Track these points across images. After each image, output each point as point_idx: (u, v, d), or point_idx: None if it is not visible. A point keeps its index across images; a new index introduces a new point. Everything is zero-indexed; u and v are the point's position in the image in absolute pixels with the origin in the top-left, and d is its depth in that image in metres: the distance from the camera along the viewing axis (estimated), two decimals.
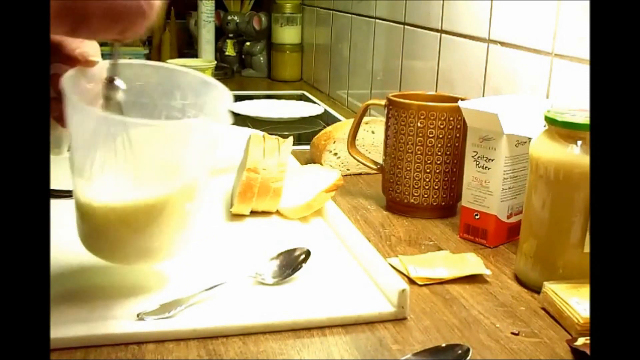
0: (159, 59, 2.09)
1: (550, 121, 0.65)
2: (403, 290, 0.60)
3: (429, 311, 0.63)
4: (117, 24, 0.50)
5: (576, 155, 0.63)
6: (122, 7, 0.49)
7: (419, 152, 0.85)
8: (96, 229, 0.59)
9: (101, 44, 0.60)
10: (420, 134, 0.84)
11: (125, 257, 0.61)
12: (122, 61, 0.60)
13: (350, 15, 1.63)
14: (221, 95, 0.60)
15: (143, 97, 0.62)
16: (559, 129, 0.65)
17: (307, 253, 0.68)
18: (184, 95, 0.62)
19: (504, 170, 0.76)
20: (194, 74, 0.62)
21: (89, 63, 0.58)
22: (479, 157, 0.77)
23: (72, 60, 0.58)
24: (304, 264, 0.67)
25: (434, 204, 0.86)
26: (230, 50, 2.14)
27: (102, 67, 0.58)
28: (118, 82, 0.58)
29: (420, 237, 0.81)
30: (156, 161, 0.58)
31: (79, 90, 0.57)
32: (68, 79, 0.55)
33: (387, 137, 0.88)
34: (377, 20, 1.46)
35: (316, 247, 0.71)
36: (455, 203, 0.88)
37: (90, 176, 0.57)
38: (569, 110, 0.67)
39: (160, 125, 0.60)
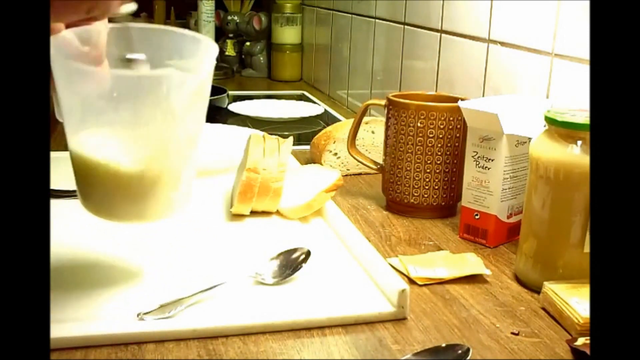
0: None
1: (550, 121, 0.65)
2: (403, 290, 0.60)
3: (429, 311, 0.63)
4: (82, 5, 0.50)
5: (576, 155, 0.63)
6: None
7: (419, 152, 0.85)
8: (85, 182, 0.59)
9: None
10: (420, 134, 0.84)
11: (115, 213, 0.60)
12: (114, 25, 0.60)
13: (350, 15, 1.63)
14: (206, 49, 0.60)
15: (138, 59, 0.62)
16: (559, 129, 0.65)
17: (307, 253, 0.68)
18: (180, 55, 0.62)
19: (504, 170, 0.76)
20: (184, 32, 0.62)
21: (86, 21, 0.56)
22: (479, 157, 0.77)
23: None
24: (304, 264, 0.67)
25: (434, 204, 0.86)
26: (230, 50, 2.14)
27: (99, 32, 0.57)
28: (136, 55, 0.59)
29: (420, 237, 0.81)
30: (143, 115, 0.57)
31: (73, 54, 0.56)
32: (57, 40, 0.54)
33: (387, 137, 0.88)
34: (377, 20, 1.46)
35: (316, 247, 0.71)
36: (455, 203, 0.88)
37: (77, 127, 0.57)
38: (569, 110, 0.67)
39: (136, 75, 0.60)
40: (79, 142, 0.58)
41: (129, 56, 0.60)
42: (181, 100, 0.57)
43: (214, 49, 0.59)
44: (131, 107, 0.57)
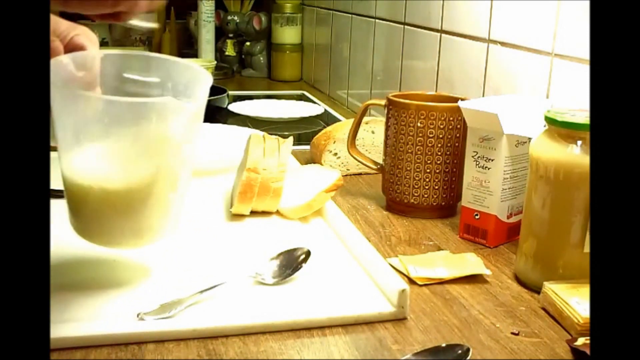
0: None
1: (550, 121, 0.65)
2: (403, 290, 0.60)
3: (429, 311, 0.63)
4: None
5: (576, 155, 0.63)
6: None
7: (419, 152, 0.85)
8: (76, 207, 0.60)
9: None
10: (420, 134, 0.84)
11: (106, 239, 0.60)
12: (110, 51, 0.62)
13: (350, 15, 1.63)
14: (201, 78, 0.61)
15: (135, 86, 0.63)
16: (559, 129, 0.65)
17: (307, 253, 0.68)
18: (175, 85, 0.63)
19: (504, 170, 0.76)
20: (182, 62, 0.63)
21: (79, 47, 0.58)
22: (479, 157, 0.77)
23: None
24: (304, 264, 0.67)
25: (434, 204, 0.86)
26: (230, 50, 2.14)
27: (94, 57, 0.58)
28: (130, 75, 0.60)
29: (420, 237, 0.81)
30: (137, 141, 0.58)
31: (68, 77, 0.57)
32: (54, 64, 0.55)
33: (387, 137, 0.88)
34: (377, 20, 1.46)
35: (316, 247, 0.71)
36: (455, 203, 0.88)
37: (70, 151, 0.58)
38: (569, 110, 0.67)
39: (138, 102, 0.60)
40: (70, 166, 0.58)
41: (126, 75, 0.61)
42: (174, 128, 0.58)
43: (208, 79, 0.60)
44: (123, 132, 0.57)
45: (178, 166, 0.60)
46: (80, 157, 0.58)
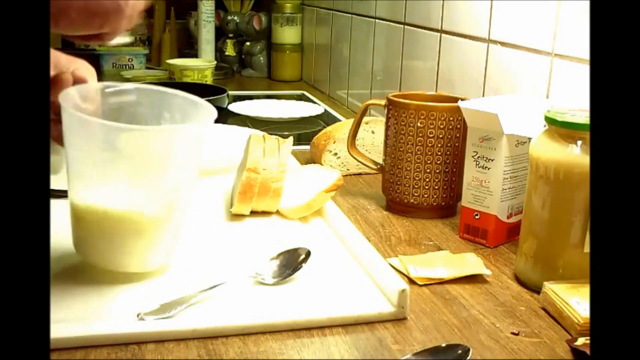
0: (159, 59, 2.10)
1: (550, 121, 0.65)
2: (403, 290, 0.60)
3: (429, 311, 0.63)
4: (95, 18, 0.54)
5: (576, 155, 0.63)
6: (96, 2, 0.54)
7: (419, 152, 0.85)
8: (78, 231, 0.63)
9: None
10: (420, 134, 0.84)
11: (104, 261, 0.63)
12: (113, 84, 0.66)
13: (350, 15, 1.63)
14: (206, 113, 0.64)
15: (134, 120, 0.66)
16: (559, 129, 0.65)
17: (307, 253, 0.68)
18: (173, 116, 0.67)
19: (504, 170, 0.76)
20: (182, 95, 0.67)
21: (81, 79, 0.62)
22: (479, 157, 0.77)
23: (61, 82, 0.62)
24: (304, 264, 0.67)
25: (434, 204, 0.86)
26: (230, 50, 2.14)
27: (96, 89, 0.63)
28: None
29: (420, 237, 0.81)
30: (141, 167, 0.61)
31: (75, 107, 0.61)
32: (65, 95, 0.59)
33: (387, 137, 0.88)
34: (377, 20, 1.46)
35: (316, 247, 0.71)
36: (455, 203, 0.88)
37: (81, 179, 0.62)
38: (569, 110, 0.67)
39: (145, 129, 0.64)
40: (77, 191, 0.62)
41: (114, 100, 0.65)
42: (176, 156, 0.61)
43: (213, 113, 0.63)
44: (129, 159, 0.61)
45: (176, 194, 0.63)
46: (86, 182, 0.62)
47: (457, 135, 0.84)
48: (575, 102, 0.81)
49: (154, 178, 0.62)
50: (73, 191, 0.62)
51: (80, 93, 0.61)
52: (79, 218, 0.63)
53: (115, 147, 0.59)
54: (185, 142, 0.62)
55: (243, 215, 0.82)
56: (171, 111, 0.66)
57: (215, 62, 1.81)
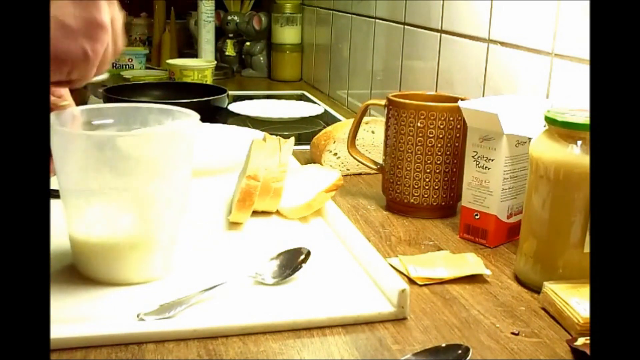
0: (159, 59, 2.10)
1: (550, 121, 0.65)
2: (403, 290, 0.60)
3: (429, 311, 0.63)
4: (63, 66, 0.56)
5: (576, 155, 0.63)
6: (64, 51, 0.55)
7: (419, 152, 0.85)
8: (77, 256, 0.65)
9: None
10: (420, 134, 0.84)
11: (104, 276, 0.64)
12: (91, 106, 0.68)
13: (350, 15, 1.63)
14: (185, 117, 0.66)
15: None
16: (559, 129, 0.65)
17: (307, 253, 0.68)
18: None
19: (504, 170, 0.76)
20: (157, 107, 0.69)
21: (59, 107, 0.64)
22: (479, 157, 0.77)
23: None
24: (304, 264, 0.67)
25: (434, 204, 0.86)
26: (230, 50, 2.14)
27: (73, 113, 0.64)
28: (103, 121, 0.66)
29: (420, 237, 0.81)
30: (132, 175, 0.62)
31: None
32: (55, 115, 0.61)
33: (387, 137, 0.88)
34: (377, 20, 1.46)
35: (316, 247, 0.71)
36: (455, 203, 0.88)
37: (77, 208, 0.63)
38: (569, 110, 0.67)
39: (140, 134, 0.66)
40: (71, 216, 0.64)
41: (95, 122, 0.66)
42: (164, 162, 0.62)
43: (192, 114, 0.65)
44: (120, 167, 0.61)
45: (167, 203, 0.63)
46: (78, 213, 0.63)
47: (457, 135, 0.84)
48: (575, 102, 0.81)
49: (144, 185, 0.62)
50: (69, 223, 0.64)
51: (58, 118, 0.62)
52: (75, 245, 0.65)
53: (105, 158, 0.60)
54: (176, 144, 0.63)
55: None
56: (149, 125, 0.68)
57: (215, 62, 1.81)
